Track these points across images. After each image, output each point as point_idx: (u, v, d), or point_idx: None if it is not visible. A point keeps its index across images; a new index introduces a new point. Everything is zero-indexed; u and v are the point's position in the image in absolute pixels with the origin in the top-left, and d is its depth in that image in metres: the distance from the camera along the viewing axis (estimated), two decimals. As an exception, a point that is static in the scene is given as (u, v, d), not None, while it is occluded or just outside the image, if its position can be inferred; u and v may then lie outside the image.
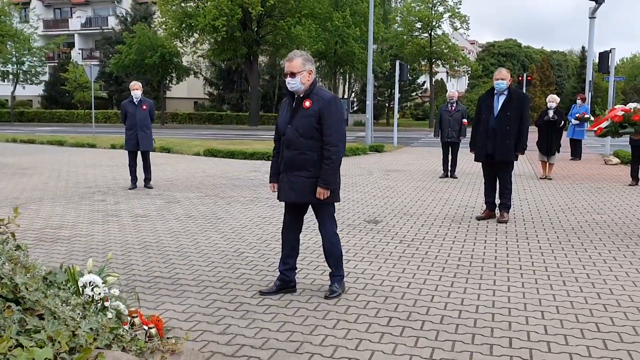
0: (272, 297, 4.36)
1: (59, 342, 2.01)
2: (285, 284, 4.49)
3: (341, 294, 4.40)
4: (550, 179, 11.67)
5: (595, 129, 6.72)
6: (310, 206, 4.45)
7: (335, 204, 4.46)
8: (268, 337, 3.59)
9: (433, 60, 44.34)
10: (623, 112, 6.37)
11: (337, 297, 4.35)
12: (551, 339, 3.59)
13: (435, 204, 8.70)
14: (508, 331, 3.72)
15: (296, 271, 4.58)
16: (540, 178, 11.78)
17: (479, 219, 7.47)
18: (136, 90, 9.92)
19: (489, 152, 7.28)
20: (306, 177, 4.24)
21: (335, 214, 4.48)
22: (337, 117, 4.22)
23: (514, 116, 7.14)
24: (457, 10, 42.91)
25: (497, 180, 7.50)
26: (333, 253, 4.43)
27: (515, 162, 7.44)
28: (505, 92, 7.23)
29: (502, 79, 7.23)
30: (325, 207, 4.38)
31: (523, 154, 7.41)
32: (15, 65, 42.98)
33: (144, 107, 10.00)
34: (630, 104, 6.60)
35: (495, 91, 7.30)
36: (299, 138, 4.21)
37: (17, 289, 2.24)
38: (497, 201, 7.51)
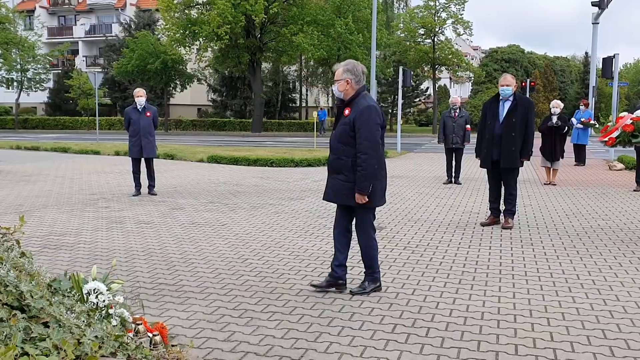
0: (277, 303, 4.35)
1: (64, 350, 2.00)
2: (334, 280, 4.63)
3: (367, 294, 4.53)
4: (555, 184, 11.64)
5: (606, 139, 6.61)
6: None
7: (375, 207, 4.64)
8: (272, 344, 3.58)
9: (436, 66, 44.34)
10: (632, 121, 6.31)
11: (361, 293, 4.53)
12: (557, 346, 3.56)
13: (440, 210, 8.68)
14: (514, 338, 3.70)
15: (346, 270, 4.70)
16: (545, 184, 11.75)
17: (483, 225, 7.45)
18: (140, 97, 9.94)
19: (495, 158, 7.24)
20: (342, 180, 4.48)
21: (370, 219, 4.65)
22: (370, 126, 4.36)
23: (519, 122, 7.09)
24: (460, 16, 42.93)
25: (502, 186, 7.49)
26: (367, 253, 4.62)
27: (520, 168, 7.42)
28: (511, 99, 7.18)
29: (508, 85, 7.17)
30: (360, 211, 4.56)
31: (529, 160, 7.39)
32: (20, 73, 43.15)
33: (148, 114, 10.02)
34: (638, 111, 6.53)
35: (501, 97, 7.25)
36: (337, 144, 4.50)
37: (22, 296, 2.23)
38: (502, 207, 7.50)
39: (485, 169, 7.59)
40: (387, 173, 4.65)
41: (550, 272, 5.24)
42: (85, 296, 2.85)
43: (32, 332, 2.06)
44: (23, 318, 2.12)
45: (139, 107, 9.98)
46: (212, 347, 3.53)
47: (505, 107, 7.20)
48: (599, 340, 3.66)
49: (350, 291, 4.56)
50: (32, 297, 2.23)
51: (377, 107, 4.49)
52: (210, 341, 3.63)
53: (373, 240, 4.63)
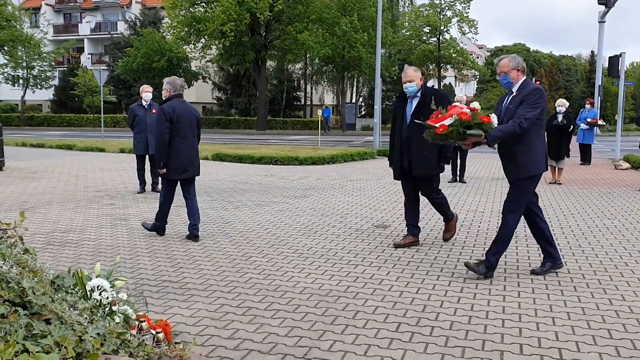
0: (281, 301, 4.34)
1: (65, 347, 1.99)
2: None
3: (147, 229, 6.73)
4: (560, 183, 11.59)
5: (437, 125, 5.15)
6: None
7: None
8: (276, 342, 3.57)
9: (441, 64, 44.27)
10: (470, 110, 5.12)
11: (144, 225, 6.84)
12: (563, 346, 3.54)
13: (444, 208, 8.63)
14: (519, 337, 3.68)
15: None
16: (550, 183, 11.70)
17: (397, 246, 6.17)
18: (147, 92, 9.99)
19: (405, 166, 6.04)
20: None
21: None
22: (157, 122, 6.50)
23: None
24: (465, 15, 42.85)
25: (419, 201, 6.38)
26: (160, 207, 6.69)
27: (440, 174, 6.28)
28: (418, 95, 5.96)
29: (410, 81, 5.89)
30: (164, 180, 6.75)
31: (449, 163, 6.38)
32: (26, 70, 43.26)
33: (154, 110, 10.03)
34: (473, 103, 5.75)
35: (407, 95, 6.03)
36: None
37: (24, 293, 2.22)
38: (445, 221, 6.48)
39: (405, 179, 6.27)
40: (188, 155, 6.43)
41: (556, 271, 5.20)
42: (88, 293, 2.85)
43: (34, 329, 2.05)
44: (25, 315, 2.12)
45: (145, 103, 9.99)
46: (216, 345, 3.52)
47: (412, 106, 5.96)
48: (604, 340, 3.63)
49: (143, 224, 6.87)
50: (34, 293, 2.22)
51: (168, 108, 6.28)
52: (213, 339, 3.62)
53: (167, 202, 6.61)
